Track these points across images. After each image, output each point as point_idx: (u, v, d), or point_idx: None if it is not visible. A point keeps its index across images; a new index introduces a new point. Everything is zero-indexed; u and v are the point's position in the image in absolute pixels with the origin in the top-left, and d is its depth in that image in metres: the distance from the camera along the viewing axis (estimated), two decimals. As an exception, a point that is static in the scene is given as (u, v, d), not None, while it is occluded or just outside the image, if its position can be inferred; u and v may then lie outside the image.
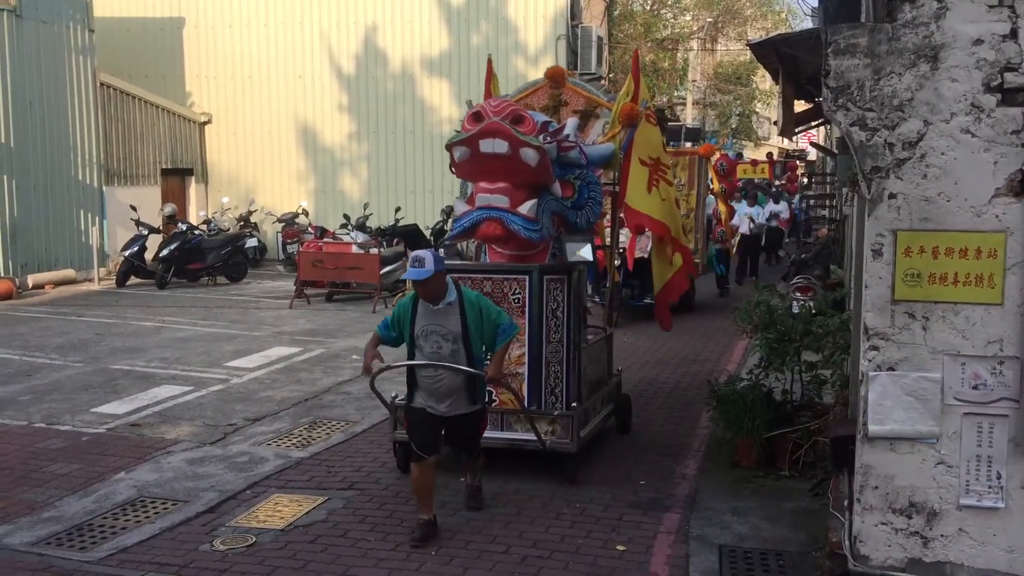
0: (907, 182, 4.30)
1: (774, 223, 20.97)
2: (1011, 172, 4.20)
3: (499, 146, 6.24)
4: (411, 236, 17.13)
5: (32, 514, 6.20)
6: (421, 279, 5.49)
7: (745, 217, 19.30)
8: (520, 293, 6.70)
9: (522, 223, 6.42)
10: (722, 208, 18.11)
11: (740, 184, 23.13)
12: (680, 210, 10.66)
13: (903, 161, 4.30)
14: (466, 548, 5.66)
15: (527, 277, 6.70)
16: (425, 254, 5.57)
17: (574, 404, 6.72)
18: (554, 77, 8.43)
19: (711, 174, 17.69)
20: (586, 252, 7.04)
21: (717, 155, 21.11)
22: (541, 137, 6.55)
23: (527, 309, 6.66)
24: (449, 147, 6.47)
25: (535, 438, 6.51)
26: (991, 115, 4.21)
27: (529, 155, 6.31)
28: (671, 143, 18.77)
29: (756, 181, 25.46)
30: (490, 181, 6.55)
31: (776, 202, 21.89)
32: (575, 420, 6.66)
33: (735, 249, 19.20)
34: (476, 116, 6.50)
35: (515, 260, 6.98)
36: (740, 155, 32.62)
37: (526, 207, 6.43)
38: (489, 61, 8.49)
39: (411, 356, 5.81)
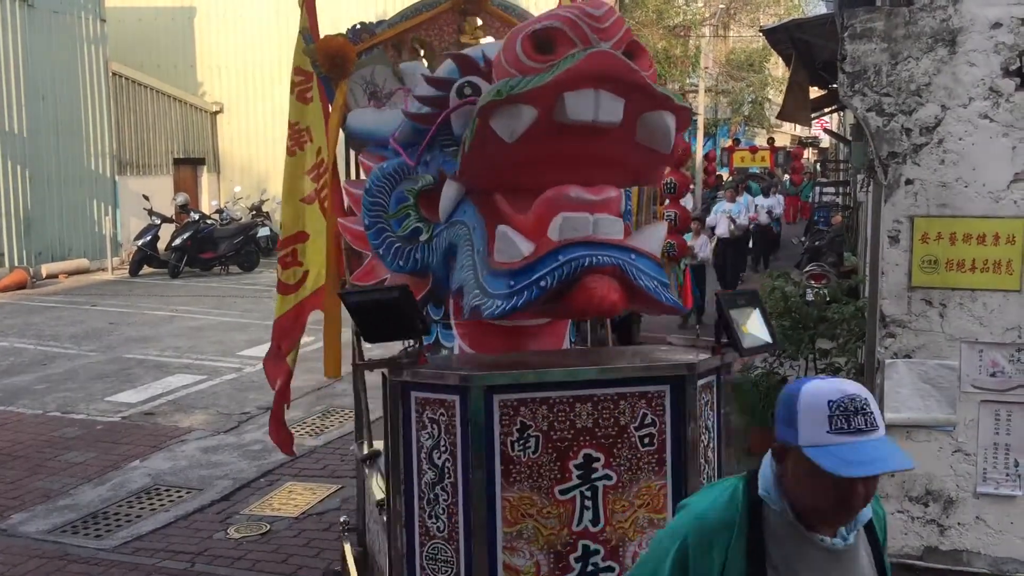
0: (924, 168, 4.26)
1: (766, 220, 17.86)
2: (1030, 157, 4.15)
3: (610, 108, 2.67)
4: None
5: (48, 502, 6.24)
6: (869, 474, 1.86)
7: (723, 216, 15.22)
8: (654, 424, 2.90)
9: (655, 273, 2.89)
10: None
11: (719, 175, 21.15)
12: None
13: (920, 147, 4.26)
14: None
15: (667, 390, 2.91)
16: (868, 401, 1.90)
17: None
18: None
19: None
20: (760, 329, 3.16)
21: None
22: None
23: (669, 457, 2.92)
24: (488, 110, 2.73)
25: None
26: (1009, 100, 4.16)
27: (669, 128, 2.82)
28: None
29: (753, 171, 24.35)
30: (584, 184, 2.88)
31: (767, 195, 18.82)
32: None
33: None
34: (545, 37, 2.71)
35: (506, 338, 3.26)
36: (738, 140, 31.69)
37: (647, 238, 2.95)
38: None
39: None
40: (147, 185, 19.26)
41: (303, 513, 6.02)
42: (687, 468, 2.86)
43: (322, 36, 4.00)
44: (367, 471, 4.05)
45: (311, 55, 3.97)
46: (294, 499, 6.26)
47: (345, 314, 4.06)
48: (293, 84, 4.37)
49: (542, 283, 2.66)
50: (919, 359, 4.32)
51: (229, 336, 11.85)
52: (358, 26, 4.06)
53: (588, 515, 2.79)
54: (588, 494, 2.79)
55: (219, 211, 19.87)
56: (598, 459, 2.78)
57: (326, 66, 3.86)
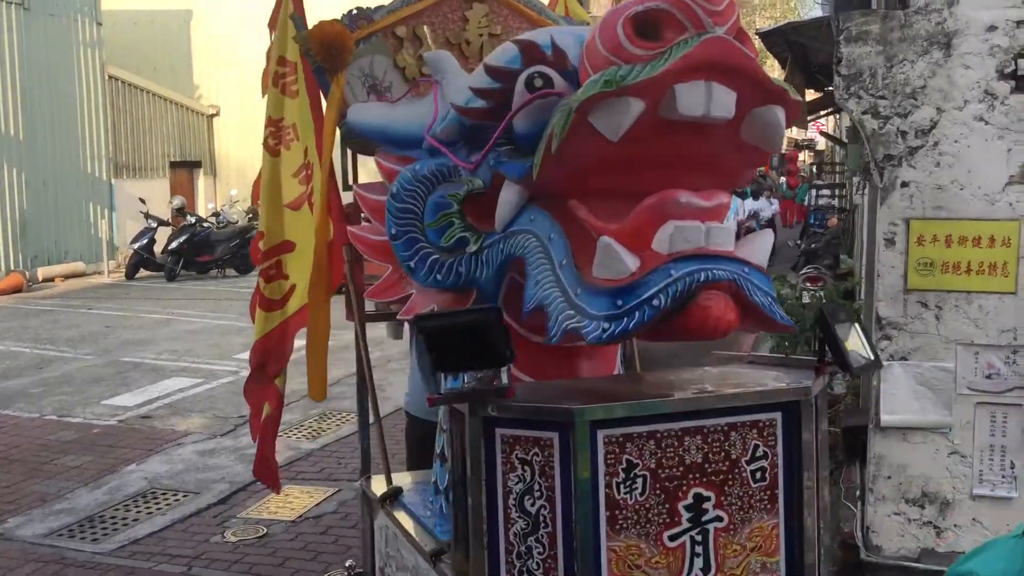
0: (920, 170, 4.27)
1: (755, 225, 17.00)
2: (1025, 160, 4.17)
3: (723, 102, 2.34)
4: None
5: (44, 506, 6.23)
6: None
7: None
8: (766, 456, 2.59)
9: (768, 288, 2.53)
10: None
11: None
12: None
13: (916, 149, 4.27)
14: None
15: (778, 418, 2.60)
16: None
17: None
18: None
19: None
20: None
21: None
22: None
23: (781, 492, 2.61)
24: (591, 103, 2.34)
25: None
26: (1005, 102, 4.18)
27: (781, 124, 2.48)
28: None
29: None
30: (689, 187, 2.54)
31: (756, 198, 17.67)
32: None
33: None
34: (648, 20, 2.33)
35: (560, 361, 3.01)
36: None
37: (755, 248, 2.58)
38: None
39: None
40: (143, 188, 19.25)
41: (300, 516, 6.01)
42: (802, 504, 2.56)
43: (315, 22, 3.55)
44: (380, 511, 3.53)
45: (303, 42, 3.53)
46: (291, 503, 6.25)
47: (338, 327, 3.81)
48: (276, 76, 3.89)
49: (655, 302, 2.28)
50: (915, 361, 4.33)
51: (226, 339, 11.84)
52: (355, 11, 3.61)
53: (699, 563, 2.49)
54: (699, 539, 2.49)
55: (215, 214, 19.86)
56: (708, 498, 2.47)
57: (321, 55, 3.43)
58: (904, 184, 4.29)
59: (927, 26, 4.24)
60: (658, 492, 2.42)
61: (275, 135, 3.91)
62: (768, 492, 2.53)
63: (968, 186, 4.22)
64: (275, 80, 3.87)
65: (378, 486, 3.65)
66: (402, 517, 3.31)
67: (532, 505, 2.41)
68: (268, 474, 4.35)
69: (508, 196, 2.69)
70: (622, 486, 2.39)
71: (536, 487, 2.40)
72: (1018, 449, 4.28)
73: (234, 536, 5.72)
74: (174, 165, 21.62)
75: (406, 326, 4.17)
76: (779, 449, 2.53)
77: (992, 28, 4.17)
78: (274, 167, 3.93)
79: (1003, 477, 4.31)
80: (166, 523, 5.95)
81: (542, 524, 2.41)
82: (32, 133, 17.21)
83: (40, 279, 17.04)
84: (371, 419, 3.90)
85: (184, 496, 6.42)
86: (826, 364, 2.72)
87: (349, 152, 3.71)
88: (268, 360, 4.11)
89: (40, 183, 17.40)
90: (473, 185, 2.80)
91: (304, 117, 3.77)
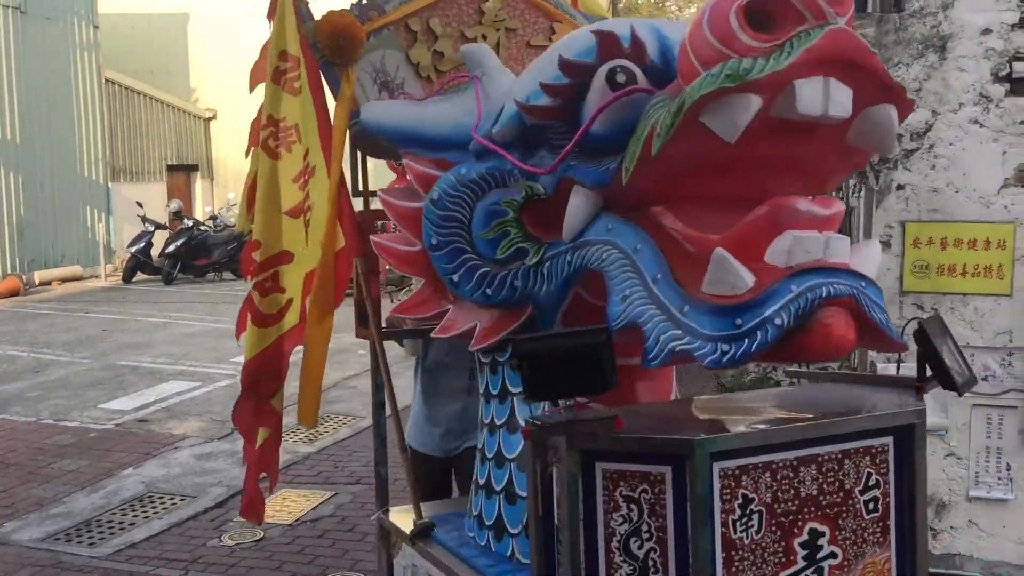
0: (915, 173, 4.28)
1: None
2: (1020, 162, 4.18)
3: (840, 100, 2.09)
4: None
5: (41, 510, 6.22)
6: None
7: None
8: (878, 485, 2.39)
9: (882, 303, 2.29)
10: None
11: None
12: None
13: (911, 152, 4.29)
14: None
15: (890, 443, 2.40)
16: None
17: None
18: None
19: None
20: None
21: None
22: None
23: (893, 524, 2.42)
24: (707, 100, 2.06)
25: None
26: (999, 105, 4.19)
27: (894, 125, 2.26)
28: None
29: None
30: (783, 192, 2.31)
31: None
32: None
33: None
34: (761, 8, 2.08)
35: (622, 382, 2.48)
36: None
37: (865, 259, 2.29)
38: None
39: None
40: (140, 192, 19.25)
41: (297, 520, 6.01)
42: (915, 536, 2.38)
43: (321, 12, 3.27)
44: (406, 549, 3.21)
45: (310, 34, 3.25)
46: (288, 506, 6.25)
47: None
48: (276, 72, 3.55)
49: (777, 321, 2.05)
50: (911, 364, 4.34)
51: (223, 343, 11.83)
52: (365, 1, 3.36)
53: None
54: None
55: (213, 217, 19.87)
56: (823, 534, 2.29)
57: (330, 49, 3.15)
58: (900, 187, 4.30)
59: (922, 29, 4.25)
60: (773, 529, 2.22)
61: (275, 136, 3.58)
62: (880, 524, 2.35)
63: (963, 189, 4.23)
64: (275, 76, 3.54)
65: (401, 520, 3.30)
66: (442, 555, 2.98)
67: (640, 548, 2.20)
68: (254, 507, 3.96)
69: (579, 203, 2.44)
70: (738, 524, 2.18)
71: (645, 528, 2.18)
72: (1014, 451, 4.29)
73: (231, 540, 5.71)
74: (171, 168, 21.62)
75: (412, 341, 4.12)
76: (891, 477, 2.35)
77: (987, 31, 4.18)
78: (273, 171, 3.61)
79: (999, 479, 4.32)
80: (163, 527, 5.94)
81: (651, 569, 2.19)
82: (29, 137, 17.21)
83: (37, 283, 17.03)
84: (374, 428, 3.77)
85: (181, 500, 6.41)
86: (926, 381, 2.53)
87: (357, 155, 3.49)
88: (262, 380, 3.82)
89: (37, 187, 17.39)
90: (532, 191, 2.57)
91: (306, 117, 3.44)
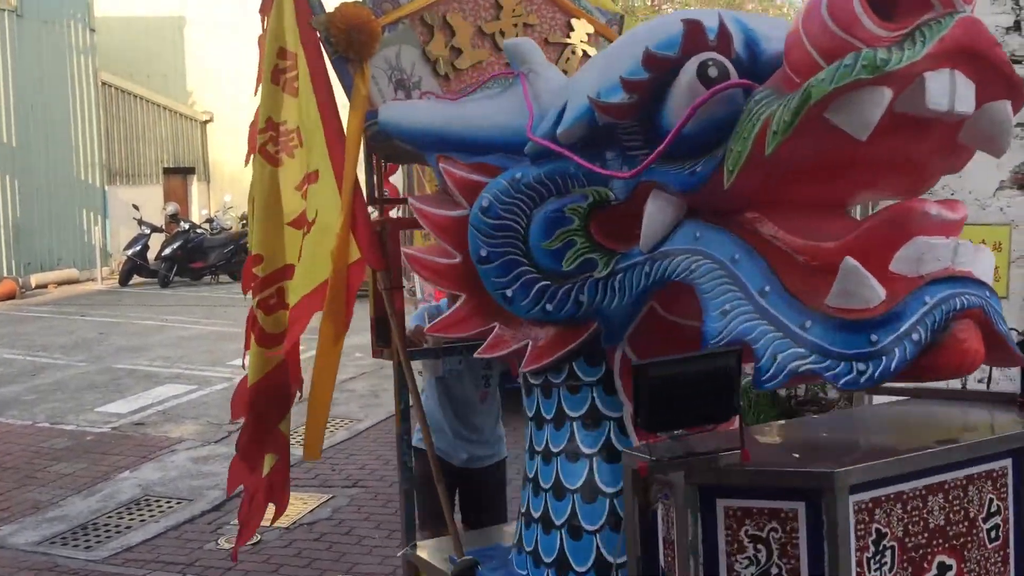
0: (911, 175, 4.29)
1: None
2: (1016, 165, 4.20)
3: (965, 95, 1.92)
4: None
5: (37, 513, 6.21)
6: None
7: None
8: (999, 511, 2.25)
9: (1002, 313, 2.14)
10: None
11: None
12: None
13: (907, 154, 4.30)
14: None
15: (1008, 465, 2.25)
16: None
17: None
18: None
19: None
20: None
21: None
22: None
23: (1012, 551, 2.27)
24: (834, 95, 1.86)
25: None
26: (995, 108, 4.20)
27: (1011, 123, 2.07)
28: None
29: None
30: (886, 194, 2.43)
31: None
32: None
33: None
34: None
35: None
36: None
37: (983, 267, 2.09)
38: None
39: None
40: (137, 195, 19.23)
41: (294, 523, 6.00)
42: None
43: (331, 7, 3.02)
44: None
45: (321, 28, 2.98)
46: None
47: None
48: (274, 71, 3.27)
49: (915, 336, 1.87)
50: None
51: (219, 346, 11.82)
52: None
53: None
54: None
55: (209, 220, 19.85)
56: (950, 567, 2.12)
57: (343, 44, 2.88)
58: (896, 189, 4.31)
59: (918, 32, 4.27)
60: (905, 566, 2.04)
61: (275, 140, 3.28)
62: (1001, 552, 2.18)
63: (959, 191, 4.24)
64: (274, 76, 3.26)
65: (434, 556, 3.02)
66: None
67: None
68: (251, 535, 3.83)
69: (659, 209, 2.22)
70: (872, 561, 1.99)
71: (775, 571, 1.98)
72: (1010, 453, 4.30)
73: (228, 543, 5.70)
74: (168, 171, 21.61)
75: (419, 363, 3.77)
76: (1010, 501, 2.18)
77: (982, 34, 4.20)
78: (273, 179, 3.30)
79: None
80: (160, 530, 5.93)
81: None
82: (25, 139, 17.19)
83: (33, 286, 17.00)
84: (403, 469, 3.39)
85: (178, 503, 6.40)
86: None
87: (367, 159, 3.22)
88: (269, 404, 3.50)
89: (33, 190, 17.38)
90: (600, 196, 2.33)
91: (308, 118, 3.18)
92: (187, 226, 18.30)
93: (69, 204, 18.28)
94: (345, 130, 2.98)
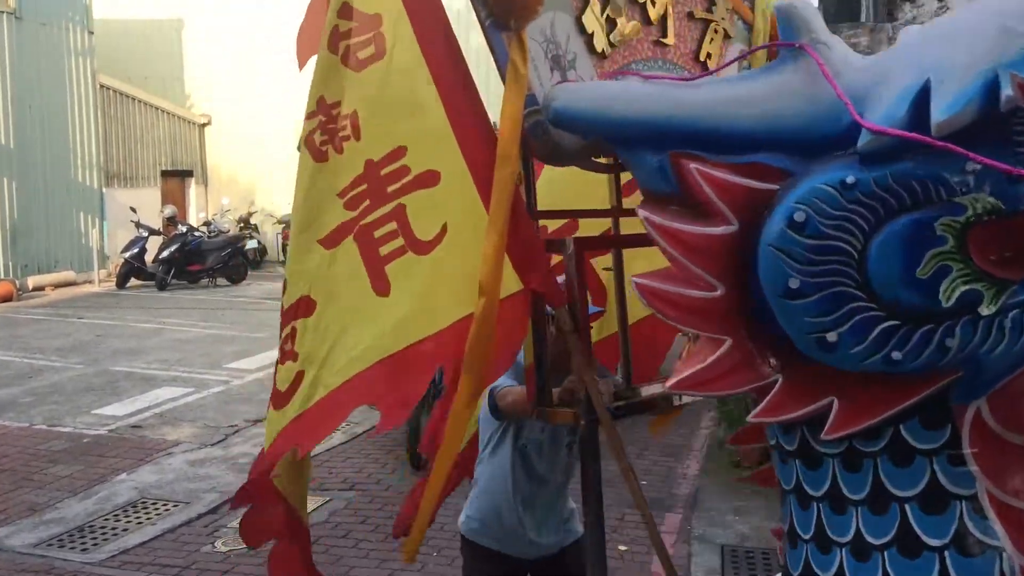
0: (908, 181, 4.29)
1: None
2: (1013, 171, 4.19)
3: None
4: None
5: (34, 516, 6.20)
6: None
7: None
8: None
9: None
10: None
11: None
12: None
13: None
14: (468, 548, 5.66)
15: None
16: None
17: None
18: None
19: None
20: None
21: None
22: None
23: None
24: None
25: None
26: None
27: None
28: None
29: None
30: None
31: None
32: None
33: None
34: None
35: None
36: None
37: None
38: None
39: None
40: (135, 197, 19.22)
41: (291, 526, 6.01)
42: None
43: None
44: None
45: None
46: (282, 512, 6.25)
47: None
48: (334, 34, 2.48)
49: None
50: None
51: (216, 348, 11.82)
52: None
53: None
54: None
55: (207, 223, 19.86)
56: None
57: (500, 6, 2.21)
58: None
59: (915, 38, 4.27)
60: None
61: (324, 128, 2.50)
62: None
63: (956, 197, 4.25)
64: (332, 42, 2.46)
65: None
66: None
67: None
68: None
69: None
70: None
71: None
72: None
73: (225, 546, 5.70)
74: (165, 174, 21.61)
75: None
76: None
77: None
78: (313, 179, 2.54)
79: (991, 486, 4.32)
80: (156, 533, 5.93)
81: None
82: (23, 142, 17.19)
83: (30, 288, 16.99)
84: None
85: (174, 506, 6.40)
86: None
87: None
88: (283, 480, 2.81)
89: (31, 191, 17.38)
90: (983, 207, 1.73)
91: (381, 101, 2.43)
92: (185, 229, 18.31)
93: (66, 206, 18.28)
94: (499, 119, 2.21)
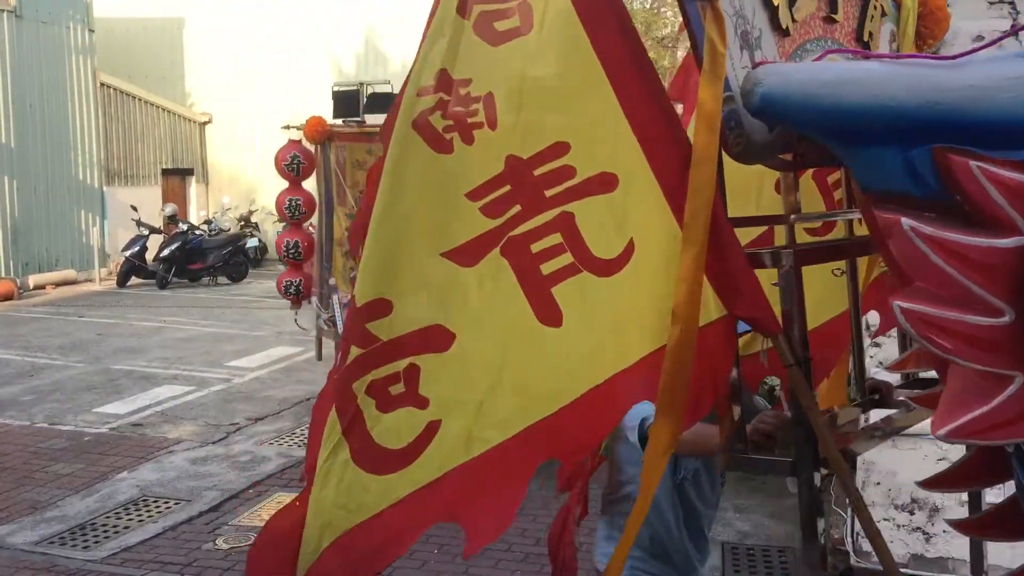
0: (908, 179, 4.28)
1: None
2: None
3: None
4: None
5: (35, 514, 6.21)
6: None
7: None
8: None
9: None
10: None
11: None
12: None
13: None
14: (469, 546, 5.67)
15: None
16: None
17: None
18: None
19: None
20: None
21: None
22: None
23: None
24: None
25: None
26: (992, 111, 4.20)
27: None
28: None
29: None
30: None
31: None
32: None
33: None
34: None
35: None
36: None
37: None
38: None
39: None
40: (135, 196, 19.21)
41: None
42: None
43: None
44: None
45: None
46: (283, 510, 6.25)
47: None
48: None
49: None
50: (904, 368, 4.35)
51: (217, 347, 11.82)
52: None
53: None
54: None
55: (208, 222, 19.85)
56: None
57: None
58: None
59: (915, 36, 4.25)
60: None
61: (450, 112, 2.01)
62: None
63: (956, 194, 4.24)
64: (461, 5, 1.99)
65: None
66: None
67: None
68: None
69: None
70: None
71: None
72: (1007, 455, 4.29)
73: (226, 544, 5.71)
74: (166, 172, 21.60)
75: None
76: None
77: (979, 38, 4.21)
78: (426, 172, 2.05)
79: (992, 483, 4.32)
80: (158, 531, 5.94)
81: None
82: (24, 140, 17.19)
83: (31, 286, 16.99)
84: None
85: (176, 504, 6.41)
86: None
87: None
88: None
89: (31, 190, 17.38)
90: None
91: (539, 87, 1.97)
92: (185, 227, 18.31)
93: (67, 205, 18.28)
94: (695, 109, 1.84)
